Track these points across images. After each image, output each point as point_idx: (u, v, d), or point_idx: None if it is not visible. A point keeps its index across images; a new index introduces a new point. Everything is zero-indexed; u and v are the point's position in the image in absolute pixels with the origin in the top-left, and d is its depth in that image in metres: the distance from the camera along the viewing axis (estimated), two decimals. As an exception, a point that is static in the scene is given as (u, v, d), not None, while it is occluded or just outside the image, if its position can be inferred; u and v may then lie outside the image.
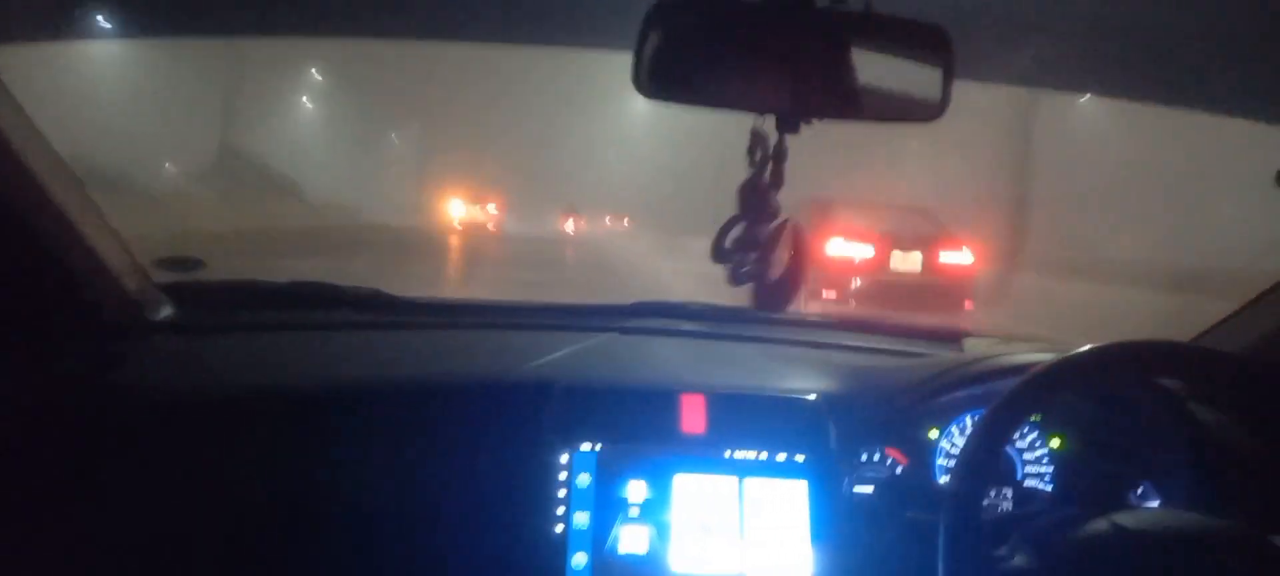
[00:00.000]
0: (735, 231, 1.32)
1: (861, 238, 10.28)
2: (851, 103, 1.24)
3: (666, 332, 1.89)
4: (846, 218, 10.70)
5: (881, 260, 10.25)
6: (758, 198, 1.31)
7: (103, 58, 22.52)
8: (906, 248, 10.30)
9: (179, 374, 1.53)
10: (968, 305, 10.18)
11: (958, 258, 10.43)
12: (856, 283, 10.12)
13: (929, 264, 10.30)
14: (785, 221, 1.31)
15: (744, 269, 1.34)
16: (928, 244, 10.39)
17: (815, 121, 1.23)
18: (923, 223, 10.93)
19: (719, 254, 1.34)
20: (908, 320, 2.42)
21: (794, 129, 1.24)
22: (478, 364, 1.67)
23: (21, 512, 1.30)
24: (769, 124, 1.28)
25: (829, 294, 10.06)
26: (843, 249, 10.20)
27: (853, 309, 9.88)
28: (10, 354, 1.42)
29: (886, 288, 9.96)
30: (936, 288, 10.01)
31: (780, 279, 1.34)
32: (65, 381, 1.42)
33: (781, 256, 1.34)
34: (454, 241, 25.21)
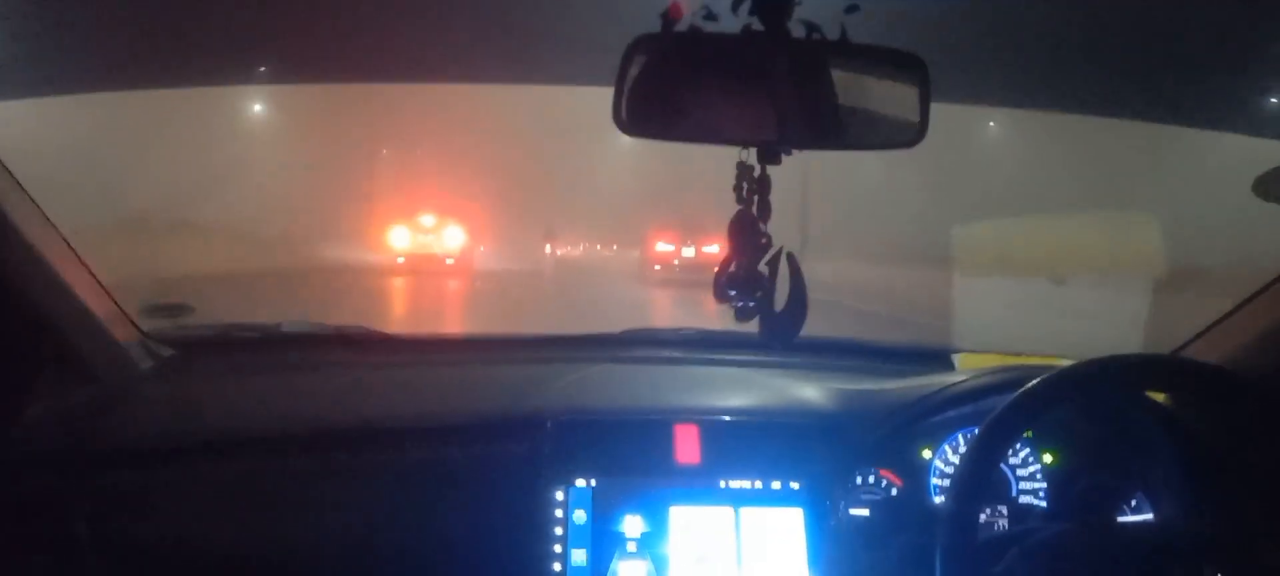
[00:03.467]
0: (733, 268, 1.32)
1: (669, 240, 20.09)
2: (832, 131, 1.25)
3: (658, 361, 1.89)
4: (664, 230, 20.45)
5: (677, 251, 19.69)
6: (750, 230, 1.31)
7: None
8: (688, 243, 19.37)
9: (171, 419, 1.52)
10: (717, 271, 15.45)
11: (712, 247, 17.45)
12: (664, 263, 19.55)
13: (698, 251, 18.67)
14: (779, 250, 1.32)
15: (748, 304, 1.34)
16: (699, 240, 18.78)
17: (796, 151, 1.24)
18: (698, 228, 18.93)
19: (720, 292, 1.34)
20: (896, 342, 2.43)
21: (776, 160, 1.26)
22: (469, 400, 1.66)
23: (13, 564, 1.29)
24: (751, 156, 1.30)
25: (656, 268, 19.43)
26: (661, 245, 20.17)
27: (665, 274, 18.74)
28: (20, 410, 1.41)
29: (682, 266, 18.80)
30: (701, 263, 17.27)
31: (785, 310, 1.34)
32: (56, 432, 1.41)
33: (781, 287, 1.34)
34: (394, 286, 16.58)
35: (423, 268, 19.22)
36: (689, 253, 18.85)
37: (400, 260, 19.75)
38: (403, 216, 21.07)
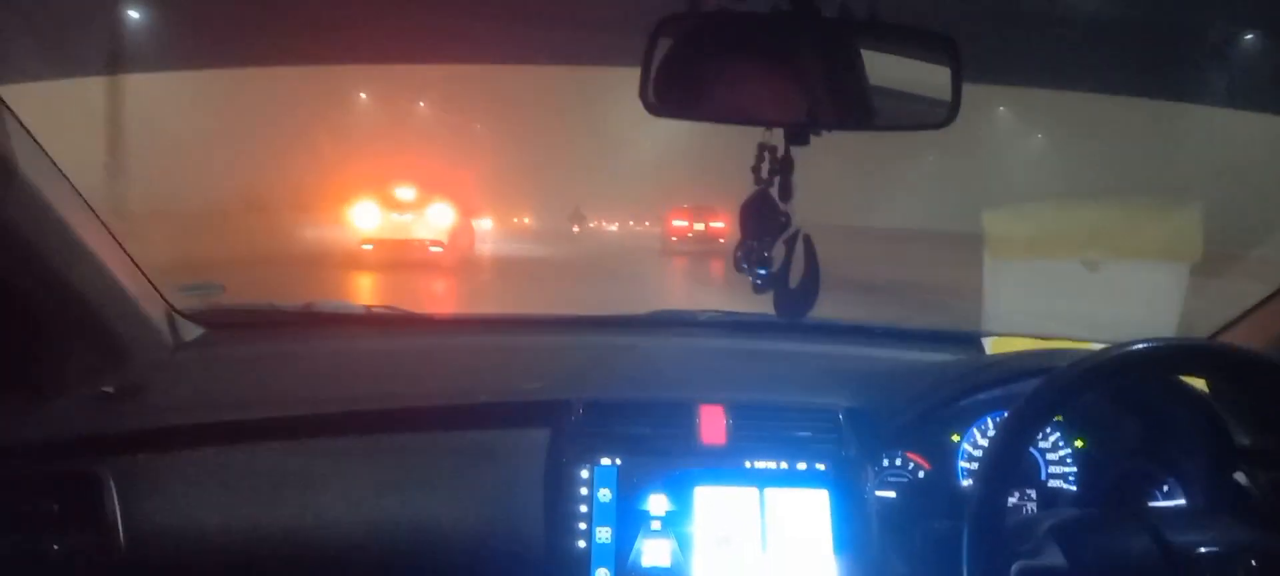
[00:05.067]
0: (749, 244, 1.32)
1: (682, 218, 23.21)
2: (861, 112, 1.24)
3: (684, 341, 1.89)
4: (679, 210, 23.59)
5: (690, 227, 22.87)
6: (769, 210, 1.31)
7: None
8: (700, 220, 22.51)
9: (202, 399, 1.54)
10: (722, 241, 20.67)
11: (719, 222, 21.60)
12: (680, 237, 22.91)
13: (707, 226, 22.20)
14: (797, 231, 1.31)
15: (763, 278, 1.34)
16: (709, 217, 22.11)
17: (825, 133, 1.24)
18: (706, 210, 22.54)
19: (738, 265, 1.35)
20: (926, 324, 2.42)
21: (804, 141, 1.25)
22: (497, 380, 1.68)
23: (47, 539, 1.32)
24: (774, 136, 1.29)
25: (672, 239, 22.95)
26: (678, 221, 23.36)
27: (680, 245, 22.22)
28: (36, 385, 1.43)
29: (695, 237, 22.31)
30: (708, 235, 21.69)
31: (799, 287, 1.34)
32: (88, 411, 1.43)
33: (798, 265, 1.34)
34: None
35: (399, 259, 13.99)
36: (699, 227, 23.19)
37: (366, 247, 14.42)
38: (373, 188, 15.59)
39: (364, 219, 15.17)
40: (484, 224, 29.25)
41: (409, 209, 15.46)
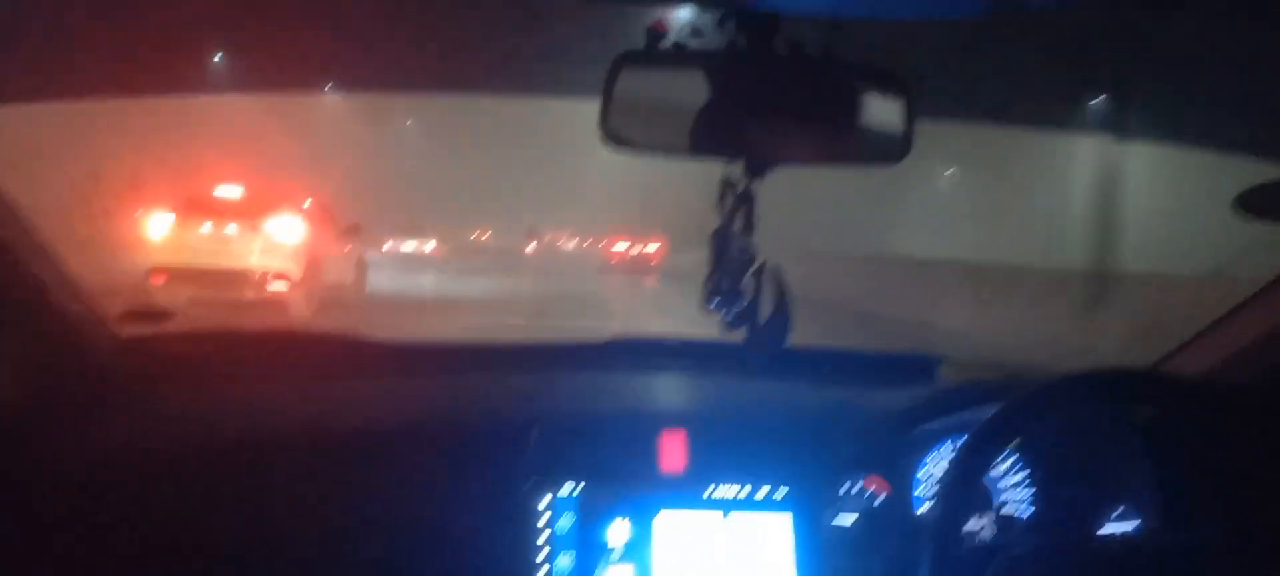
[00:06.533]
0: (718, 280, 1.34)
1: (620, 241, 28.44)
2: (817, 147, 1.27)
3: (645, 369, 1.89)
4: (616, 236, 29.25)
5: (626, 252, 28.53)
6: (733, 244, 1.33)
7: None
8: (633, 246, 28.13)
9: (149, 429, 1.51)
10: (654, 264, 28.02)
11: (651, 247, 28.52)
12: (620, 259, 28.28)
13: (640, 252, 28.09)
14: (763, 264, 1.33)
15: (733, 314, 1.36)
16: (643, 243, 27.87)
17: (781, 167, 1.26)
18: (641, 236, 28.29)
19: (707, 303, 1.36)
20: (883, 350, 2.44)
21: (761, 173, 1.27)
22: (455, 407, 1.66)
23: None
24: (736, 171, 1.31)
25: (613, 262, 28.50)
26: (617, 247, 29.39)
27: (617, 265, 26.98)
28: None
29: (629, 261, 28.01)
30: (641, 259, 27.67)
31: (770, 321, 1.36)
32: (31, 440, 1.39)
33: (767, 299, 1.36)
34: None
35: (211, 297, 9.35)
36: (634, 251, 29.21)
37: (155, 281, 9.51)
38: (176, 186, 10.53)
39: (156, 232, 9.86)
40: (407, 246, 27.08)
41: (233, 217, 9.90)
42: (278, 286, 9.78)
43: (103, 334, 1.58)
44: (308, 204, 11.06)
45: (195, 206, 10.11)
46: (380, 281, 13.55)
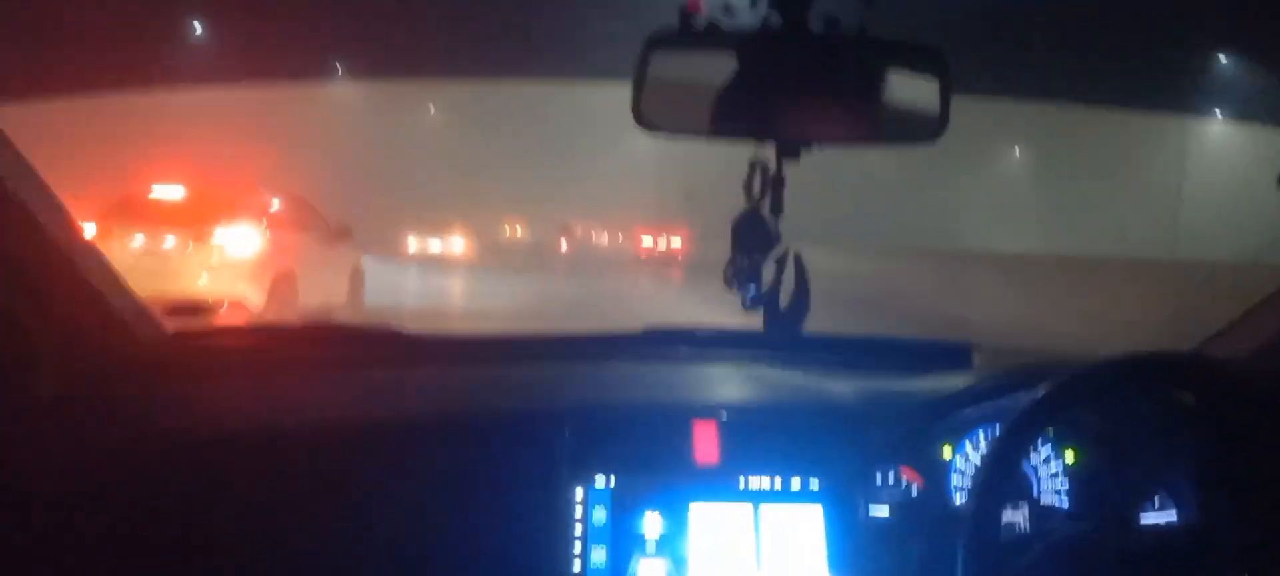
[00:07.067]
0: (741, 261, 1.33)
1: (648, 235, 29.97)
2: (851, 127, 1.25)
3: (676, 359, 1.88)
4: (644, 230, 30.46)
5: (655, 244, 29.96)
6: (759, 227, 1.31)
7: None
8: (660, 238, 29.84)
9: (192, 419, 1.53)
10: (679, 256, 27.82)
11: (676, 240, 29.33)
12: (648, 253, 29.37)
13: (667, 244, 29.19)
14: (787, 249, 1.31)
15: (754, 295, 1.35)
16: (668, 235, 29.36)
17: (815, 147, 1.24)
18: (668, 228, 28.89)
19: (728, 281, 1.35)
20: (917, 339, 2.41)
21: (794, 156, 1.25)
22: (488, 400, 1.66)
23: (22, 564, 1.30)
24: (767, 152, 1.29)
25: (642, 255, 28.80)
26: (645, 240, 30.33)
27: (646, 257, 27.84)
28: (22, 404, 1.42)
29: (658, 254, 29.42)
30: (668, 250, 28.79)
31: (790, 305, 1.35)
32: (70, 430, 1.42)
33: (788, 283, 1.34)
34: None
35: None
36: (661, 244, 30.26)
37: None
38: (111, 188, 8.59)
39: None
40: (455, 245, 25.67)
41: (170, 227, 7.60)
42: (228, 314, 7.12)
43: (151, 328, 1.61)
44: (276, 205, 8.73)
45: (127, 210, 7.90)
46: (382, 290, 11.65)
